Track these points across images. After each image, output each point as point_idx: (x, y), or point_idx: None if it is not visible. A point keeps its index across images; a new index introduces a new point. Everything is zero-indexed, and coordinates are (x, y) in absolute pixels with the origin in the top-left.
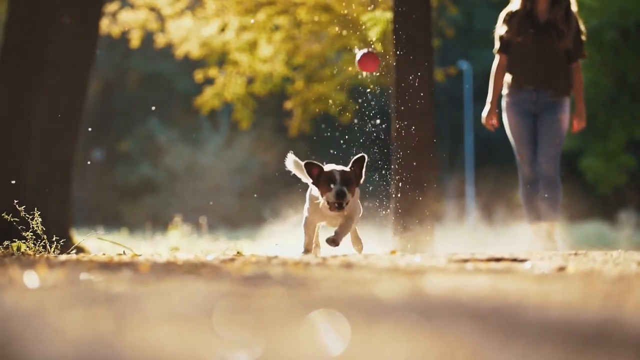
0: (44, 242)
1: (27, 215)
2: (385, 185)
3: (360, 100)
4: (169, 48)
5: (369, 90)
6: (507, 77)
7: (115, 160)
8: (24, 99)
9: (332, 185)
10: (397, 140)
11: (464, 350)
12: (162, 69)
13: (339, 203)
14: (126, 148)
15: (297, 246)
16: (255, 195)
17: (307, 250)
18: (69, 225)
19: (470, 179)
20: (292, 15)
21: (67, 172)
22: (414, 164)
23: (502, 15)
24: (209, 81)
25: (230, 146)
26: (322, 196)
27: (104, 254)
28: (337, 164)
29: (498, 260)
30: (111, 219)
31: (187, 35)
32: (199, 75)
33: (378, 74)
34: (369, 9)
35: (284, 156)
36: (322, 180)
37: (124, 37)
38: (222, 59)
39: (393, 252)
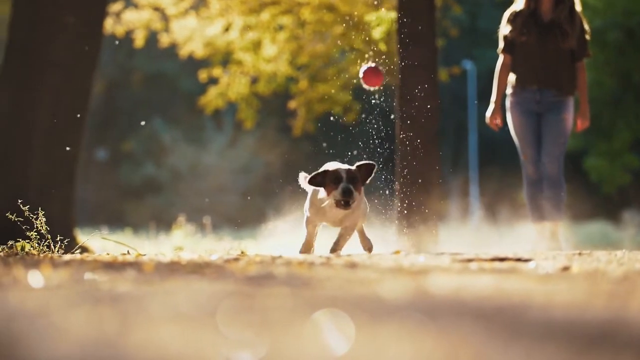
0: (48, 242)
1: (31, 215)
2: (389, 184)
3: (364, 100)
4: (173, 48)
5: (372, 89)
6: (511, 77)
7: (119, 160)
8: (28, 98)
9: (338, 183)
10: (401, 140)
11: (468, 350)
12: (166, 69)
13: (345, 201)
14: (130, 148)
15: (297, 244)
16: (258, 194)
17: (304, 252)
18: (72, 225)
19: (474, 179)
20: (296, 15)
21: (70, 172)
22: (418, 163)
23: (506, 15)
24: (213, 81)
25: (234, 146)
26: (328, 195)
27: (108, 254)
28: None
29: (502, 260)
30: (115, 219)
31: (191, 35)
32: (203, 75)
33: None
34: (374, 5)
35: (288, 156)
36: (327, 179)
37: (128, 36)
38: (226, 59)
39: (397, 251)
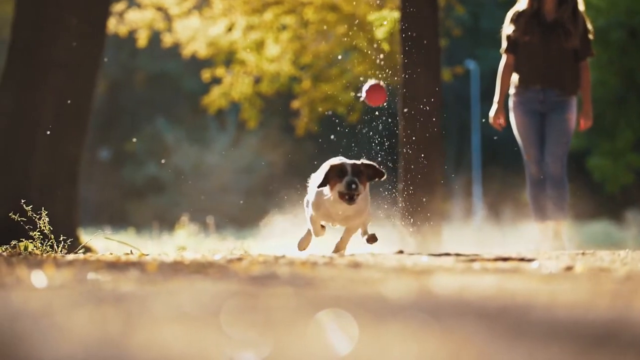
0: (51, 242)
1: (34, 215)
2: (392, 184)
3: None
4: (176, 48)
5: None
6: (514, 77)
7: (122, 159)
8: (31, 98)
9: (342, 177)
10: (404, 140)
11: (472, 349)
12: (169, 69)
13: (349, 195)
14: (133, 147)
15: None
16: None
17: (303, 245)
18: (76, 224)
19: (477, 179)
20: (299, 15)
21: (73, 172)
22: (421, 163)
23: (509, 14)
24: (216, 81)
25: (237, 146)
26: (332, 189)
27: (111, 254)
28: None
29: (505, 259)
30: (118, 219)
31: (194, 34)
32: (206, 75)
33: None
34: (376, 5)
35: (291, 155)
36: (331, 172)
37: (131, 36)
38: (229, 59)
39: (400, 251)
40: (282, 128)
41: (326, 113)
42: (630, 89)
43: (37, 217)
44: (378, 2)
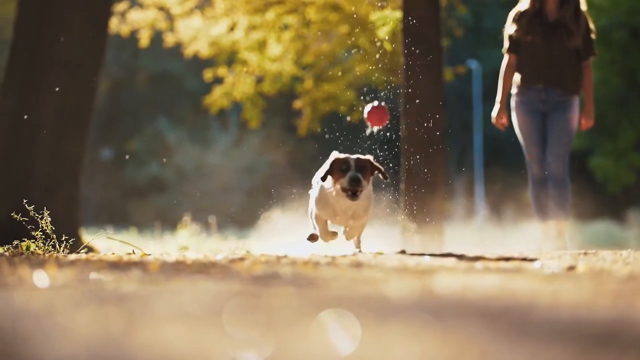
0: (53, 242)
1: (36, 215)
2: (394, 184)
3: (369, 100)
4: (178, 47)
5: (377, 87)
6: (516, 77)
7: (124, 159)
8: (33, 98)
9: (346, 172)
10: (406, 140)
11: (474, 349)
12: (171, 69)
13: (353, 190)
14: (134, 147)
15: (300, 243)
16: (263, 193)
17: (314, 238)
18: (77, 224)
19: (480, 178)
20: (301, 15)
21: (75, 171)
22: (423, 163)
23: (511, 14)
24: (218, 80)
25: (239, 145)
26: (334, 184)
27: (113, 254)
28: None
29: (507, 259)
30: (120, 218)
31: (196, 34)
32: (208, 75)
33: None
34: (378, 6)
35: (293, 155)
36: (335, 166)
37: (133, 36)
38: (231, 58)
39: (402, 251)
40: (284, 128)
41: (328, 111)
42: (632, 89)
43: (39, 216)
44: (380, 2)
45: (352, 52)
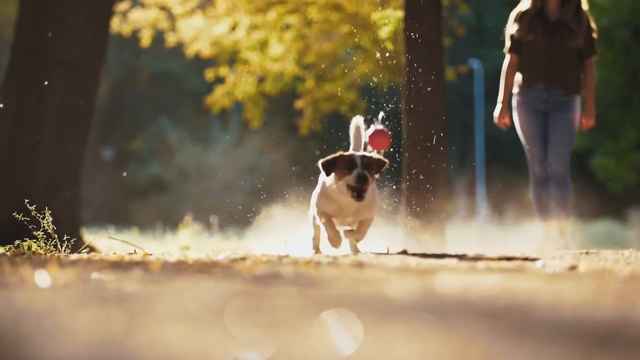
0: (55, 242)
1: (37, 215)
2: (395, 184)
3: (370, 99)
4: (179, 47)
5: (379, 87)
6: (518, 76)
7: (126, 159)
8: (34, 98)
9: (352, 169)
10: (407, 139)
11: (476, 349)
12: (173, 68)
13: (359, 187)
14: (136, 147)
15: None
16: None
17: (330, 241)
18: (79, 224)
19: (481, 178)
20: (302, 14)
21: (77, 171)
22: (425, 162)
23: (513, 14)
24: (220, 80)
25: (240, 145)
26: (339, 181)
27: (115, 253)
28: None
29: (509, 259)
30: (121, 218)
31: (197, 34)
32: (209, 74)
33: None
34: (381, 4)
35: (294, 155)
36: (339, 163)
37: (135, 36)
38: (232, 58)
39: (404, 251)
40: (286, 127)
41: (329, 111)
42: (634, 89)
43: (41, 216)
44: (381, 1)
45: (354, 51)
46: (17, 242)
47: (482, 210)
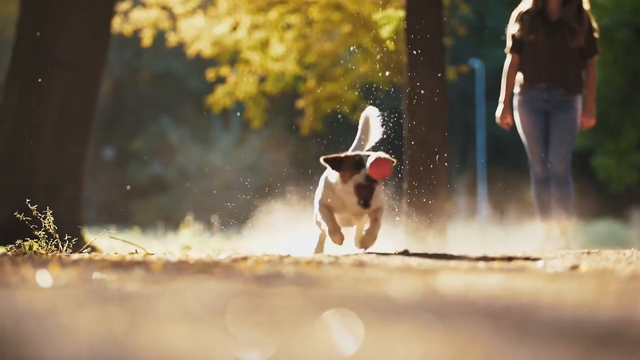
0: (56, 241)
1: (39, 214)
2: (397, 184)
3: (372, 99)
4: (180, 47)
5: (380, 86)
6: (519, 76)
7: (127, 158)
8: (35, 97)
9: (360, 168)
10: (409, 139)
11: (477, 349)
12: (174, 68)
13: (367, 189)
14: (137, 147)
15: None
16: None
17: (335, 235)
18: (80, 224)
19: (482, 178)
20: (304, 14)
21: (78, 171)
22: (426, 162)
23: (514, 14)
24: (221, 80)
25: (241, 145)
26: (345, 182)
27: (116, 253)
28: None
29: (510, 259)
30: (122, 218)
31: (198, 34)
32: (210, 74)
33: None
34: (382, 3)
35: (296, 155)
36: (346, 163)
37: (136, 35)
38: (233, 58)
39: (405, 251)
40: (287, 127)
41: (330, 111)
42: (635, 88)
43: (42, 216)
44: (382, 1)
45: (355, 51)
46: (18, 242)
47: (483, 210)
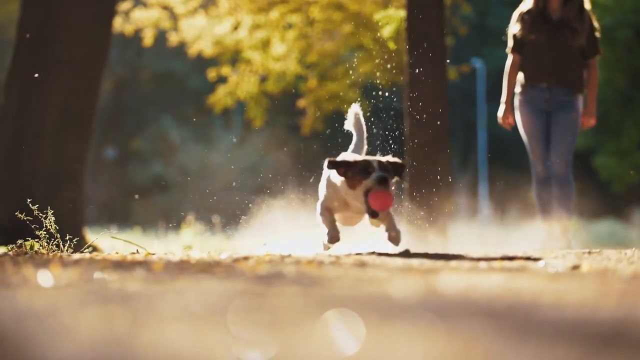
0: (57, 241)
1: (40, 214)
2: (398, 184)
3: (373, 99)
4: (181, 46)
5: (381, 86)
6: (520, 76)
7: (128, 158)
8: (36, 97)
9: (369, 173)
10: (410, 139)
11: (478, 349)
12: (175, 68)
13: (382, 188)
14: (138, 146)
15: (313, 244)
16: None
17: (333, 238)
18: (81, 223)
19: (483, 177)
20: (305, 14)
21: (79, 171)
22: (427, 162)
23: (515, 14)
24: (222, 79)
25: (242, 145)
26: (353, 188)
27: (118, 253)
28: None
29: (512, 258)
30: (123, 218)
31: (200, 33)
32: (211, 74)
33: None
34: (383, 3)
35: (297, 155)
36: (354, 169)
37: (137, 35)
38: (235, 58)
39: (406, 251)
40: (288, 127)
41: (331, 110)
42: (636, 88)
43: (43, 216)
44: (383, 1)
45: (356, 51)
46: (19, 241)
47: (485, 210)
